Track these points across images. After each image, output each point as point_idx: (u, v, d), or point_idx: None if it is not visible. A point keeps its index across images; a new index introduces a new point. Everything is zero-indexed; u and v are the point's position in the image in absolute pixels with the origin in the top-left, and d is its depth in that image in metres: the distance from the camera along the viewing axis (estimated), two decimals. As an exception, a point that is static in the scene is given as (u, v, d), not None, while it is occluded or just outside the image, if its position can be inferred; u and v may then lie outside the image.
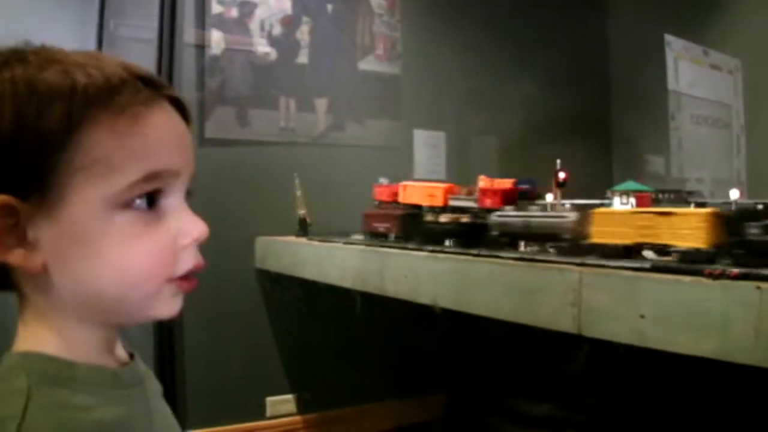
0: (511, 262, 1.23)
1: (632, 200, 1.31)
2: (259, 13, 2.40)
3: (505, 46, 2.89)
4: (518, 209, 1.46)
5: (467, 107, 2.84)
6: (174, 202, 0.52)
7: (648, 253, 1.10)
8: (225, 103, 2.33)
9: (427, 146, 2.77)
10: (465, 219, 1.57)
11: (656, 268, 0.97)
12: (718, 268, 0.88)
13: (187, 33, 2.27)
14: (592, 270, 1.06)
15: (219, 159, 2.28)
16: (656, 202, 1.37)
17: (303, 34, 2.49)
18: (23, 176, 0.47)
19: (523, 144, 2.89)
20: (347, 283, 1.74)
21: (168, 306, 0.53)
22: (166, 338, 2.11)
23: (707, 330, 0.87)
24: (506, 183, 1.55)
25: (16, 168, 0.47)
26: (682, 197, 1.45)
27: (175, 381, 2.12)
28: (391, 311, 1.86)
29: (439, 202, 1.69)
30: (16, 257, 0.48)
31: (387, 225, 1.75)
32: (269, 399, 2.38)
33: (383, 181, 1.95)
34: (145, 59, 2.10)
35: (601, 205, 1.35)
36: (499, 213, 1.44)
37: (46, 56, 0.49)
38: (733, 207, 1.16)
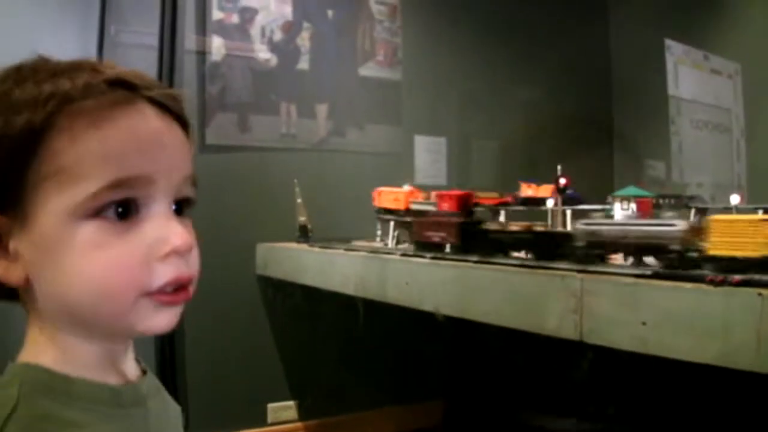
0: (512, 268, 1.23)
1: (633, 206, 1.31)
2: (260, 19, 2.41)
3: (505, 52, 2.89)
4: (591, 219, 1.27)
5: (468, 113, 2.84)
6: (157, 210, 0.49)
7: None
8: (226, 109, 2.33)
9: (428, 152, 2.77)
10: (539, 227, 1.41)
11: (657, 275, 0.97)
12: (719, 275, 0.88)
13: (188, 39, 2.27)
14: (593, 277, 1.06)
15: (220, 165, 2.28)
16: (657, 207, 1.36)
17: (304, 40, 2.49)
18: None
19: (523, 149, 2.89)
20: (349, 289, 1.74)
21: (152, 320, 0.49)
22: (167, 345, 2.11)
23: (709, 337, 0.87)
24: (548, 189, 1.52)
25: None
26: (682, 202, 1.45)
27: (177, 388, 2.12)
28: (391, 318, 1.86)
29: (401, 205, 1.76)
30: None
31: (443, 234, 1.57)
32: (270, 405, 2.37)
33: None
34: (146, 65, 2.10)
35: (602, 210, 1.34)
36: (586, 221, 1.26)
37: (34, 69, 0.49)
38: (734, 212, 1.16)
